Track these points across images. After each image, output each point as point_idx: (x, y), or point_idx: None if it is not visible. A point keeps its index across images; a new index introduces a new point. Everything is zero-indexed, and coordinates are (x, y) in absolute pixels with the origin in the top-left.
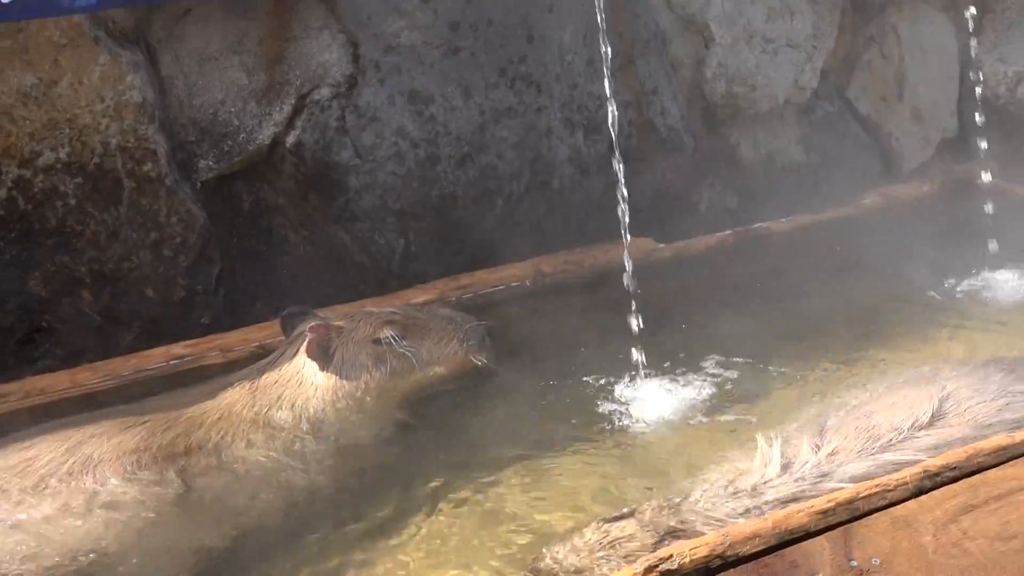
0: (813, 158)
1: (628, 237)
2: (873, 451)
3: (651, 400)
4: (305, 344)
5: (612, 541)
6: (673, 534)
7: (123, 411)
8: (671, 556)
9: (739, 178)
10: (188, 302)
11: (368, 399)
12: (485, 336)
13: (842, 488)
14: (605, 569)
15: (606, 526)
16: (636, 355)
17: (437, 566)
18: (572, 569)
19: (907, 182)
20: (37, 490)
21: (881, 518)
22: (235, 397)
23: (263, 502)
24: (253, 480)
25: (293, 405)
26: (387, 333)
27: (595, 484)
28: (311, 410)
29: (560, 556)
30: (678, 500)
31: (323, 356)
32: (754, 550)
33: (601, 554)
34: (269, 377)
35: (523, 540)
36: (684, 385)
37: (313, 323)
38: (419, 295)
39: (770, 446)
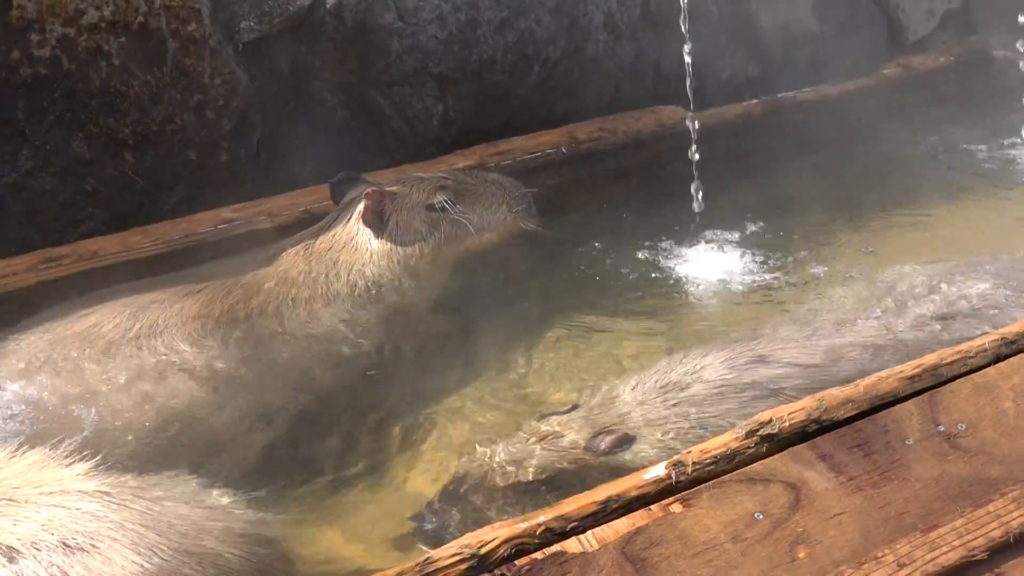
0: (827, 28)
1: (691, 107)
2: (809, 340)
3: (695, 263)
4: (361, 210)
5: (547, 435)
6: (608, 430)
7: (178, 277)
8: (771, 420)
9: (758, 47)
10: (230, 166)
11: (422, 264)
12: (532, 201)
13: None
14: (535, 461)
15: (542, 422)
16: (686, 220)
17: (491, 423)
18: (505, 461)
19: (923, 53)
20: (108, 355)
21: (964, 384)
22: (290, 263)
23: (325, 365)
24: (314, 344)
25: (350, 271)
26: (441, 198)
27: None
28: (367, 275)
29: (496, 450)
30: (613, 396)
31: (378, 222)
32: (848, 415)
33: (535, 447)
34: (323, 243)
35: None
36: (726, 249)
37: (368, 189)
38: (460, 160)
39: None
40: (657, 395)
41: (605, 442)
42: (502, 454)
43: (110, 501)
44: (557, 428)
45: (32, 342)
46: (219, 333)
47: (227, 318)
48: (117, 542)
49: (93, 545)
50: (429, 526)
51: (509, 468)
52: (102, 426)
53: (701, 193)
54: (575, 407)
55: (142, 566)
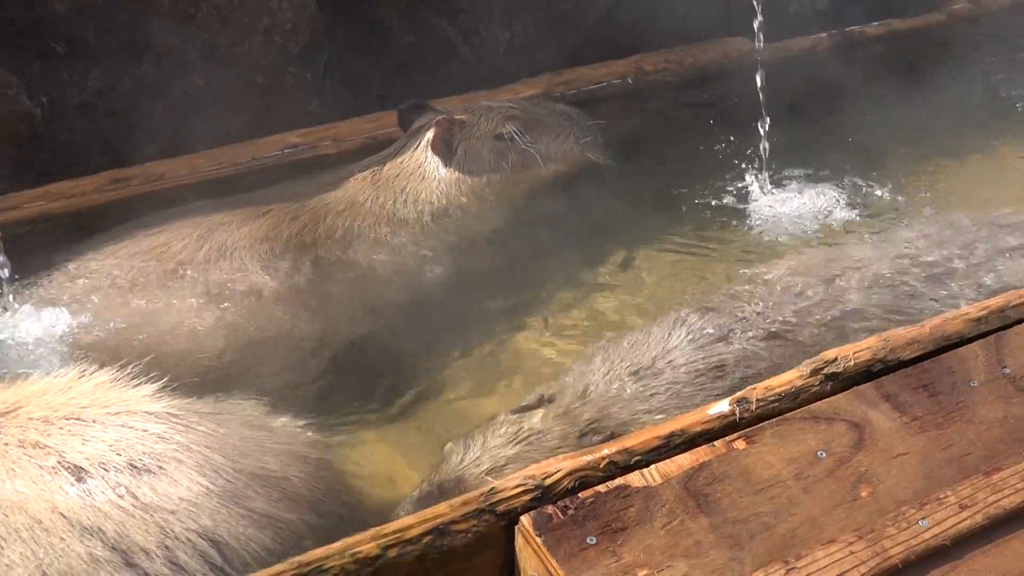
0: None
1: (761, 39)
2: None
3: (763, 200)
4: (430, 138)
5: (528, 436)
6: (594, 428)
7: (245, 199)
8: (835, 358)
9: None
10: (296, 90)
11: (489, 194)
12: (599, 133)
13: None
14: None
15: (517, 419)
16: (751, 155)
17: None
18: (483, 470)
19: None
20: (176, 275)
21: None
22: (357, 189)
23: (389, 291)
24: (379, 270)
25: (417, 198)
26: (510, 128)
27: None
28: (434, 203)
29: (469, 457)
30: (586, 388)
31: (447, 151)
32: (913, 355)
33: (516, 450)
34: (391, 170)
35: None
36: (791, 185)
37: (438, 117)
38: (525, 89)
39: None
40: (630, 382)
41: (597, 441)
42: (483, 460)
43: (176, 423)
44: (536, 427)
45: (100, 261)
46: (286, 256)
47: (294, 242)
48: (183, 464)
49: (159, 466)
50: None
51: (491, 477)
52: (168, 346)
53: (767, 129)
54: (542, 399)
55: (207, 487)
